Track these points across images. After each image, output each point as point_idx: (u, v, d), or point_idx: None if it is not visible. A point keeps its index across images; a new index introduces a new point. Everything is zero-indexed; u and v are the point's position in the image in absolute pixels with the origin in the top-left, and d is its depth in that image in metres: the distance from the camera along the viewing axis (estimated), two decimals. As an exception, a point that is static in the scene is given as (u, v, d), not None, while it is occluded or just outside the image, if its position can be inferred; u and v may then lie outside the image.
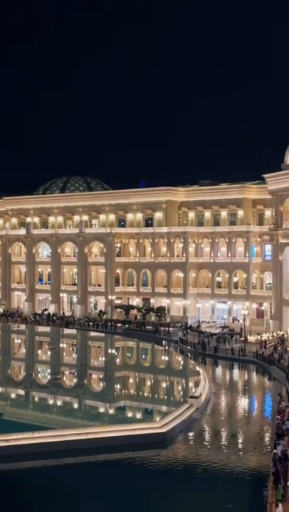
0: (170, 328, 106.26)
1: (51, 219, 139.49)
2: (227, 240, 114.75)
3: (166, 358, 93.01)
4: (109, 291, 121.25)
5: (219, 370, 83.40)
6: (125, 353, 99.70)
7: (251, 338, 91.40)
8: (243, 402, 66.73)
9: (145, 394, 70.75)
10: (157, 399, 67.26)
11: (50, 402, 64.47)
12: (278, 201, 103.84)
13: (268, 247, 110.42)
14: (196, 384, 66.94)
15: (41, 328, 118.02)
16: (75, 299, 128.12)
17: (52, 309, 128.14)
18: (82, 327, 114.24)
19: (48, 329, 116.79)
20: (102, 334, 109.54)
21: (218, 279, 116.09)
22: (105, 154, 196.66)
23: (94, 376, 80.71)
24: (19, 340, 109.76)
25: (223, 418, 59.43)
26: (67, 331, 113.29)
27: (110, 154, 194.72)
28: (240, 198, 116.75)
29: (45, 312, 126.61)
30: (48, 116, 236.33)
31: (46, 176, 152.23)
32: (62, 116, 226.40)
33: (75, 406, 63.43)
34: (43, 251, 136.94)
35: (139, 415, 59.62)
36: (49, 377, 77.47)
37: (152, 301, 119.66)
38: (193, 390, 64.31)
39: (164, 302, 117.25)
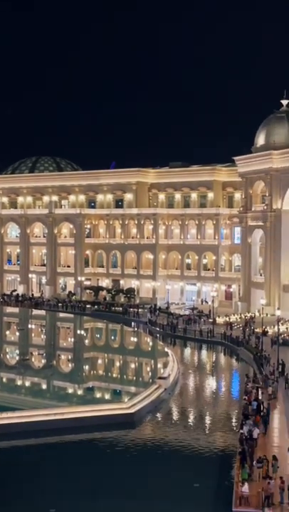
0: (139, 310, 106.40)
1: (20, 199, 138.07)
2: (197, 222, 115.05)
3: (135, 340, 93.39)
4: (79, 272, 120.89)
5: (188, 351, 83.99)
6: (94, 334, 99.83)
7: (220, 320, 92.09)
8: (210, 383, 67.35)
9: (114, 375, 71.06)
10: (126, 380, 67.64)
11: (19, 382, 64.36)
12: (248, 184, 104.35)
13: (237, 230, 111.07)
14: (165, 365, 67.41)
15: (10, 309, 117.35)
16: (44, 280, 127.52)
17: (21, 290, 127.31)
18: (51, 308, 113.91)
19: (16, 310, 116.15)
20: (71, 315, 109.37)
21: (188, 260, 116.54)
22: (75, 134, 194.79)
23: (63, 357, 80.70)
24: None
25: (191, 399, 59.99)
26: (36, 312, 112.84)
27: (81, 136, 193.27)
28: (211, 181, 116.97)
29: (14, 293, 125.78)
30: (17, 94, 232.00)
31: (15, 155, 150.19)
32: (29, 93, 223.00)
33: (44, 387, 63.43)
34: (12, 231, 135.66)
35: (107, 396, 59.90)
36: (17, 358, 77.20)
37: (122, 282, 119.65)
38: (162, 371, 64.79)
39: (134, 284, 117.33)
